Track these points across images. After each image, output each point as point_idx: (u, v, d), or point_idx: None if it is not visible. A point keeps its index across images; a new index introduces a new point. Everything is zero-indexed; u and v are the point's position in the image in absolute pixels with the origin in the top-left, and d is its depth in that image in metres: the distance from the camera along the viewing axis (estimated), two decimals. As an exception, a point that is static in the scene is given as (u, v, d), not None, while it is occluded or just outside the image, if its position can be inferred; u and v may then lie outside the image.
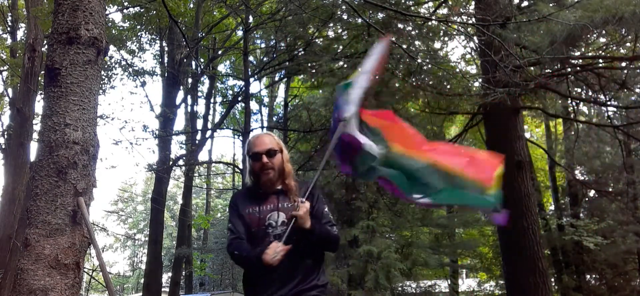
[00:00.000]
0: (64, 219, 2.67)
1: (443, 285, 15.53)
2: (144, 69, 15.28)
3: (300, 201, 2.21)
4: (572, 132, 13.16)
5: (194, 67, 15.77)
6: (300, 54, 11.26)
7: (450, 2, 8.84)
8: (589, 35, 7.31)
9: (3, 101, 14.02)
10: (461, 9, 8.42)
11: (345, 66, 10.30)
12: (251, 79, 13.09)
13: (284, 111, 15.93)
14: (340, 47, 10.95)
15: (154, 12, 12.90)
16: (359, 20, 9.14)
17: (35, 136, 9.50)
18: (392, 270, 8.25)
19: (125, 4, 12.78)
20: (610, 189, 12.94)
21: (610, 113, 10.59)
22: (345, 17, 9.91)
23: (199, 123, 16.50)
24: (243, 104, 13.78)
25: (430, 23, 8.19)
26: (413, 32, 9.13)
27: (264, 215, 2.31)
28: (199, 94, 17.11)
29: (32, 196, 2.71)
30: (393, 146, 2.51)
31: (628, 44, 8.14)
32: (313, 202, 2.34)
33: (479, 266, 16.34)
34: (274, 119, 18.57)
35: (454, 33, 8.74)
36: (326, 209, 2.40)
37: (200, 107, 17.51)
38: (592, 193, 13.84)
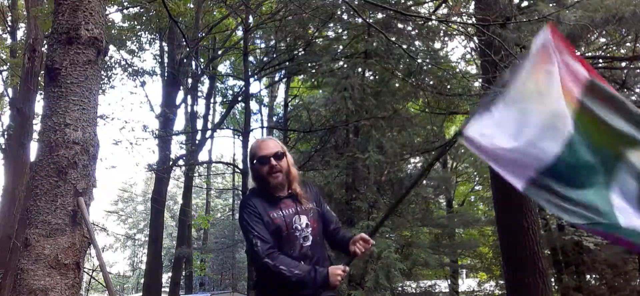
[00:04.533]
0: (64, 219, 2.67)
1: (443, 285, 15.52)
2: (144, 69, 15.28)
3: (362, 238, 2.27)
4: (572, 132, 13.10)
5: (194, 67, 15.77)
6: (300, 54, 11.26)
7: (450, 2, 8.84)
8: (589, 35, 7.31)
9: (3, 101, 14.02)
10: (461, 9, 8.42)
11: (345, 66, 10.30)
12: (251, 79, 13.09)
13: (284, 111, 15.92)
14: (340, 47, 10.95)
15: (154, 12, 12.89)
16: (359, 20, 9.15)
17: (35, 136, 9.50)
18: (392, 270, 8.24)
19: (125, 4, 12.77)
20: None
21: (610, 113, 10.55)
22: (345, 17, 9.91)
23: (199, 123, 16.51)
24: (243, 104, 13.78)
25: (430, 23, 8.19)
26: (413, 32, 9.13)
27: (289, 219, 2.27)
28: (199, 94, 17.11)
29: (32, 196, 2.72)
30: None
31: (628, 44, 8.13)
32: (320, 204, 2.44)
33: (479, 266, 16.34)
34: (274, 119, 18.56)
35: (454, 33, 8.74)
36: (328, 207, 2.48)
37: (200, 107, 17.53)
38: (592, 193, 13.82)
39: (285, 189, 2.35)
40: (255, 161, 2.36)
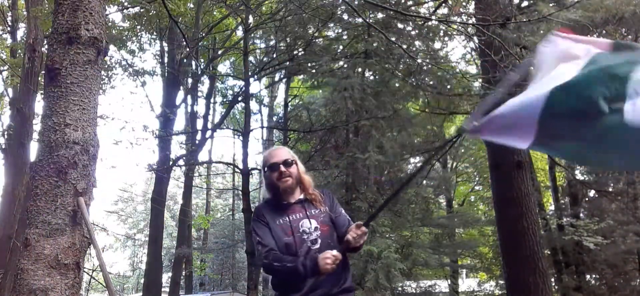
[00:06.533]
0: (64, 219, 2.67)
1: (443, 285, 15.53)
2: (144, 69, 15.27)
3: (356, 225, 2.27)
4: (572, 132, 13.10)
5: (194, 67, 15.76)
6: (300, 54, 11.26)
7: (450, 2, 8.84)
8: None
9: (3, 101, 14.01)
10: (461, 9, 8.42)
11: (345, 66, 10.30)
12: (251, 79, 13.08)
13: (284, 111, 15.93)
14: (340, 47, 10.95)
15: (154, 12, 12.88)
16: (359, 20, 9.15)
17: (35, 136, 9.49)
18: (392, 270, 8.25)
19: (126, 4, 12.77)
20: (610, 189, 12.93)
21: (610, 113, 10.55)
22: (345, 17, 9.91)
23: (199, 123, 16.49)
24: (243, 104, 13.78)
25: (430, 23, 8.19)
26: (413, 32, 9.13)
27: (296, 224, 2.37)
28: (199, 94, 17.09)
29: (32, 196, 2.71)
30: None
31: (628, 44, 8.13)
32: (334, 208, 2.49)
33: (479, 266, 16.34)
34: (274, 119, 18.57)
35: (454, 33, 8.74)
36: (343, 212, 2.53)
37: (200, 107, 17.49)
38: (592, 193, 13.83)
39: (295, 195, 2.46)
40: (266, 169, 2.51)
